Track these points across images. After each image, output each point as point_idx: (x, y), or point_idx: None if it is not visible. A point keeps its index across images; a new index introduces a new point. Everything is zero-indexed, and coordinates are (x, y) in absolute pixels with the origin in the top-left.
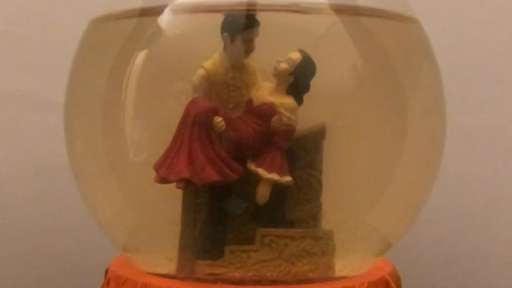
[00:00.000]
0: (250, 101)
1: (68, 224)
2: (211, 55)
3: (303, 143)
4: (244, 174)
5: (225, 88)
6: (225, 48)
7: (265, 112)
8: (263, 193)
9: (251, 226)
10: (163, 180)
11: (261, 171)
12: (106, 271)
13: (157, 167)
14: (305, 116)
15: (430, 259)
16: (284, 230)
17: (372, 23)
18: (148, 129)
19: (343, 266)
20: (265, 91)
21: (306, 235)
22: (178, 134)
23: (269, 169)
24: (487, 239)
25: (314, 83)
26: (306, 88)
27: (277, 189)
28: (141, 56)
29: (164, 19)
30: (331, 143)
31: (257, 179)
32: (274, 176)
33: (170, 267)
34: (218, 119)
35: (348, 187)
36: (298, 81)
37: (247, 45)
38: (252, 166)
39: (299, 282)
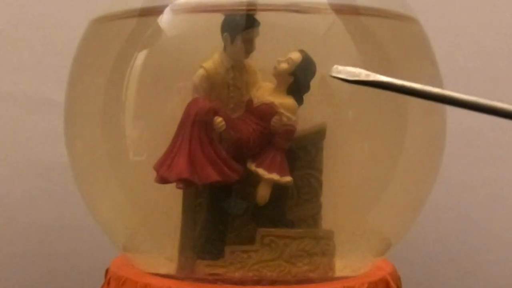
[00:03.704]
0: (250, 101)
1: (68, 224)
2: (211, 55)
3: (303, 143)
4: (244, 174)
5: (225, 88)
6: (225, 48)
7: (265, 112)
8: (263, 193)
9: (251, 226)
10: (163, 180)
11: (261, 171)
12: (106, 271)
13: (157, 167)
14: (305, 116)
15: (430, 259)
16: (284, 230)
17: (372, 22)
18: (148, 129)
19: (343, 266)
20: (265, 91)
21: (306, 235)
22: (178, 134)
23: (269, 169)
24: (487, 239)
25: (314, 83)
26: (306, 88)
27: (277, 189)
28: (141, 56)
29: (164, 19)
30: (331, 143)
31: (257, 179)
32: (274, 176)
33: (170, 267)
34: (218, 119)
35: (348, 187)
36: (298, 81)
37: (247, 45)
38: (252, 166)
39: (299, 282)
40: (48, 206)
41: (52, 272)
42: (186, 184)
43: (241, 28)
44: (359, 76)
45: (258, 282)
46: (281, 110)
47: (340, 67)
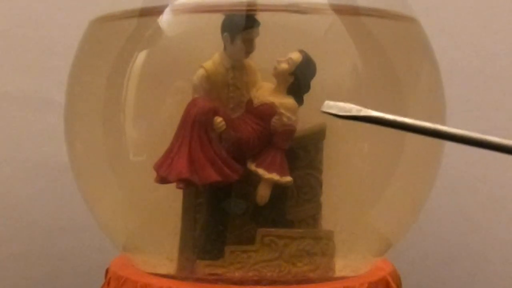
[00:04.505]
0: (250, 101)
1: (68, 224)
2: (211, 55)
3: (303, 143)
4: (244, 174)
5: (225, 88)
6: (225, 48)
7: (265, 112)
8: (263, 193)
9: (251, 226)
10: (163, 180)
11: (261, 171)
12: (106, 271)
13: (157, 167)
14: (305, 116)
15: (430, 259)
16: (284, 230)
17: (372, 23)
18: (148, 129)
19: (343, 266)
20: (265, 91)
21: (306, 235)
22: (178, 134)
23: (269, 169)
24: (487, 239)
25: (314, 83)
26: (306, 88)
27: (277, 189)
28: (141, 56)
29: (164, 19)
30: (331, 143)
31: (257, 179)
32: (274, 176)
33: (170, 267)
34: (218, 119)
35: (348, 187)
36: (298, 81)
37: (247, 45)
38: (252, 166)
39: (299, 282)
40: (48, 206)
41: (52, 272)
42: (186, 184)
43: (241, 28)
44: (350, 111)
45: (258, 282)
46: (281, 110)
47: (331, 103)
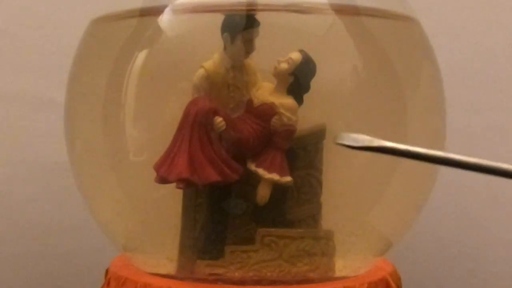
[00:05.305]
0: (250, 101)
1: (68, 224)
2: (211, 55)
3: (303, 143)
4: (244, 174)
5: (225, 88)
6: (225, 48)
7: (265, 112)
8: (263, 193)
9: (251, 226)
10: (163, 180)
11: (261, 171)
12: (106, 271)
13: (157, 167)
14: (305, 116)
15: (430, 259)
16: (284, 230)
17: (372, 23)
18: (148, 129)
19: (343, 266)
20: (265, 91)
21: (306, 235)
22: (178, 134)
23: (269, 169)
24: (487, 239)
25: (314, 83)
26: (306, 88)
27: (277, 189)
28: (141, 56)
29: (164, 19)
30: (331, 143)
31: (257, 179)
32: (274, 176)
33: (170, 267)
34: (218, 119)
35: (348, 188)
36: (298, 81)
37: (247, 45)
38: (252, 166)
39: (299, 282)
40: (48, 206)
41: (52, 272)
42: (186, 184)
43: (241, 28)
44: (363, 142)
45: (258, 282)
46: (281, 110)
47: (345, 134)
